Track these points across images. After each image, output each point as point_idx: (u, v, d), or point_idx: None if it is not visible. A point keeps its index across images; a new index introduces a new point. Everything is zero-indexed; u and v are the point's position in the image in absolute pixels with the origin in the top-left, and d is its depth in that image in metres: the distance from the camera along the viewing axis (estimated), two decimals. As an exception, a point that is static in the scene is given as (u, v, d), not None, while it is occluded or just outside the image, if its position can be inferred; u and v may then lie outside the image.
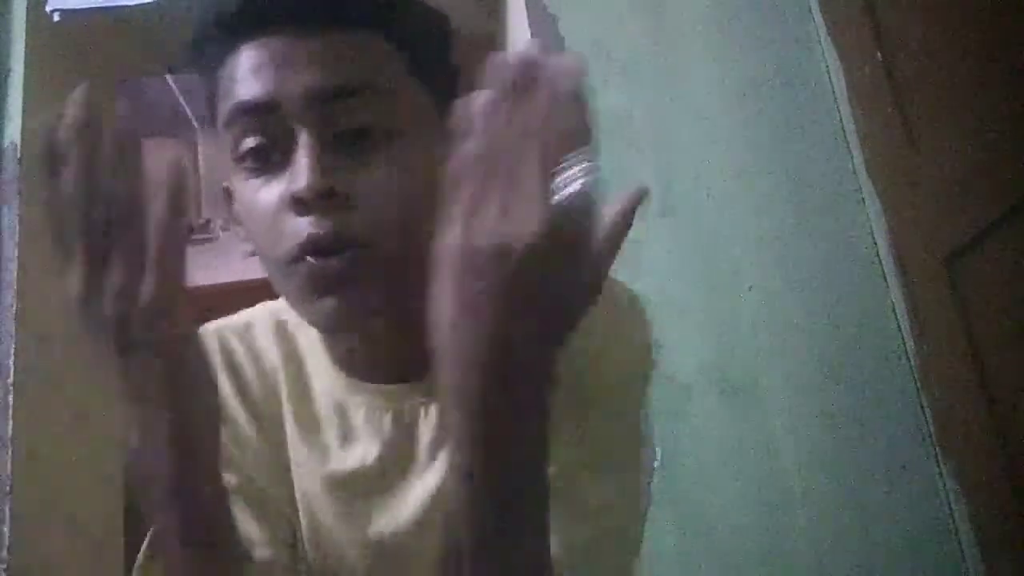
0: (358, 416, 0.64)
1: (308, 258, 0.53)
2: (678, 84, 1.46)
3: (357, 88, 0.54)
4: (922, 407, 1.30)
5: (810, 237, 1.38)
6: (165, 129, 3.46)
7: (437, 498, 0.61)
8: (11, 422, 1.36)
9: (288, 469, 0.65)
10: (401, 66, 0.57)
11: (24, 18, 1.59)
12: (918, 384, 1.30)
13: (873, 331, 1.33)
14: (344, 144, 0.54)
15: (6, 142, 1.51)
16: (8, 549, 1.31)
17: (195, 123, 3.46)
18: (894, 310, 1.34)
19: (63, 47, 1.68)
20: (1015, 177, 1.02)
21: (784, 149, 1.43)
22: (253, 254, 0.60)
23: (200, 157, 3.56)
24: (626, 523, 0.63)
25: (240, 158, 0.56)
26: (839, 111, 1.43)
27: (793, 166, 1.42)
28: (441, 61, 0.61)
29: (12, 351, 1.40)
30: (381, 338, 0.60)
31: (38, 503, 1.40)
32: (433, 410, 0.62)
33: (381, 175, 0.54)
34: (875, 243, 1.37)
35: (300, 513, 0.65)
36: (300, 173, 0.52)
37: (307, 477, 0.65)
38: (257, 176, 0.56)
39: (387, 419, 0.63)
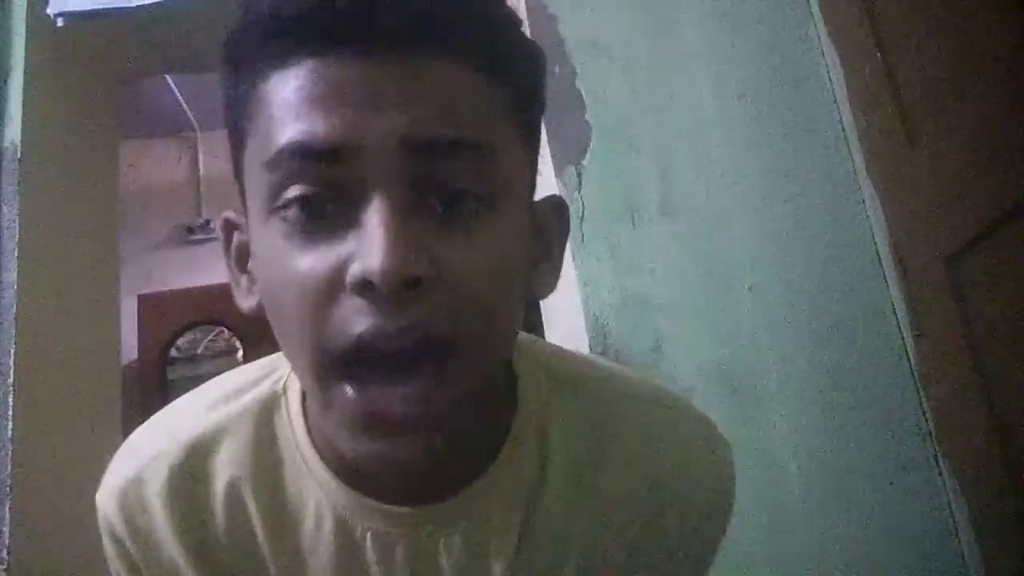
0: (365, 542, 0.52)
1: (359, 372, 0.40)
2: (678, 84, 1.46)
3: (458, 142, 0.41)
4: (922, 407, 1.30)
5: (810, 237, 1.38)
6: (165, 129, 3.46)
7: None
8: (11, 422, 1.36)
9: None
10: (505, 114, 0.44)
11: (24, 19, 1.59)
12: (918, 384, 1.30)
13: (873, 331, 1.33)
14: (430, 211, 0.41)
15: (6, 142, 1.51)
16: (8, 549, 1.31)
17: (195, 123, 3.46)
18: (894, 310, 1.34)
19: (63, 48, 1.68)
20: (1015, 177, 1.02)
21: (784, 149, 1.43)
22: (258, 311, 0.48)
23: (200, 157, 3.56)
24: None
25: (282, 206, 0.41)
26: (839, 111, 1.43)
27: (793, 166, 1.42)
28: (539, 108, 0.49)
29: (12, 351, 1.40)
30: (428, 463, 0.45)
31: (38, 503, 1.40)
32: (458, 540, 0.51)
33: (478, 256, 0.41)
34: (875, 243, 1.37)
35: None
36: (374, 248, 0.38)
37: None
38: (301, 233, 0.41)
39: (400, 550, 0.52)
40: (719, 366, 1.32)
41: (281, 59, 0.42)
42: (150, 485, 0.53)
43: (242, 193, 0.49)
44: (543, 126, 1.52)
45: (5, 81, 1.54)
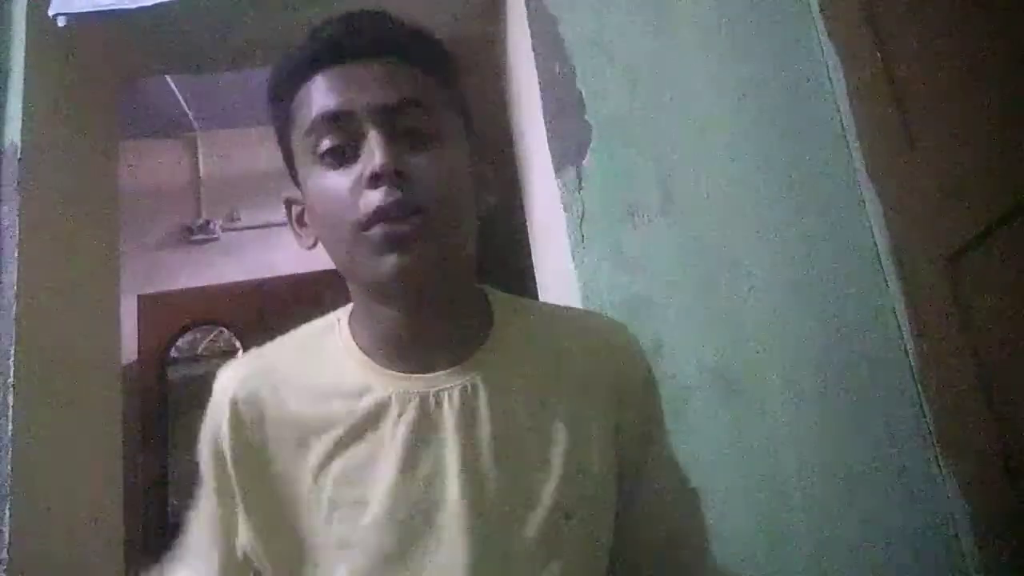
0: (391, 401, 0.73)
1: (379, 225, 0.66)
2: (678, 84, 1.47)
3: (410, 102, 0.70)
4: (922, 407, 1.30)
5: (810, 237, 1.38)
6: (165, 129, 3.46)
7: (465, 477, 0.70)
8: (11, 422, 1.36)
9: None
10: (437, 91, 0.73)
11: (24, 19, 1.59)
12: (918, 384, 1.30)
13: (873, 331, 1.34)
14: (401, 142, 0.69)
15: (6, 142, 1.51)
16: (8, 549, 1.31)
17: (195, 123, 3.46)
18: (894, 310, 1.34)
19: (63, 48, 1.68)
20: (1015, 177, 1.02)
21: (784, 149, 1.43)
22: (314, 245, 0.75)
23: (200, 157, 3.56)
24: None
25: (320, 156, 0.70)
26: (839, 111, 1.44)
27: (793, 166, 1.42)
28: (458, 88, 0.77)
29: (12, 351, 1.40)
30: (425, 310, 0.72)
31: (38, 503, 1.40)
32: (456, 394, 0.73)
33: (430, 162, 0.69)
34: (875, 243, 1.37)
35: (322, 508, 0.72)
36: (375, 157, 0.67)
37: (332, 472, 0.72)
38: (334, 168, 0.70)
39: (414, 403, 0.72)
40: (719, 366, 1.32)
41: (305, 76, 0.73)
42: (228, 386, 0.77)
43: (292, 171, 0.76)
44: (543, 126, 1.51)
45: (5, 81, 1.54)
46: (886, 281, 1.35)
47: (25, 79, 1.55)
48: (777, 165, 1.42)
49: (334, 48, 0.72)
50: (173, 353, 3.36)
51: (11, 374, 1.39)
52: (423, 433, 0.72)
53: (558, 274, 1.48)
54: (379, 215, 0.67)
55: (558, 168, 1.41)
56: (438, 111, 0.72)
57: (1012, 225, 1.04)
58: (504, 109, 1.99)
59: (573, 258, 1.36)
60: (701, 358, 1.32)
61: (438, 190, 0.69)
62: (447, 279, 0.72)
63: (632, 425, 0.78)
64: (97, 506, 1.65)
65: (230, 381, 0.77)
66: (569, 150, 1.42)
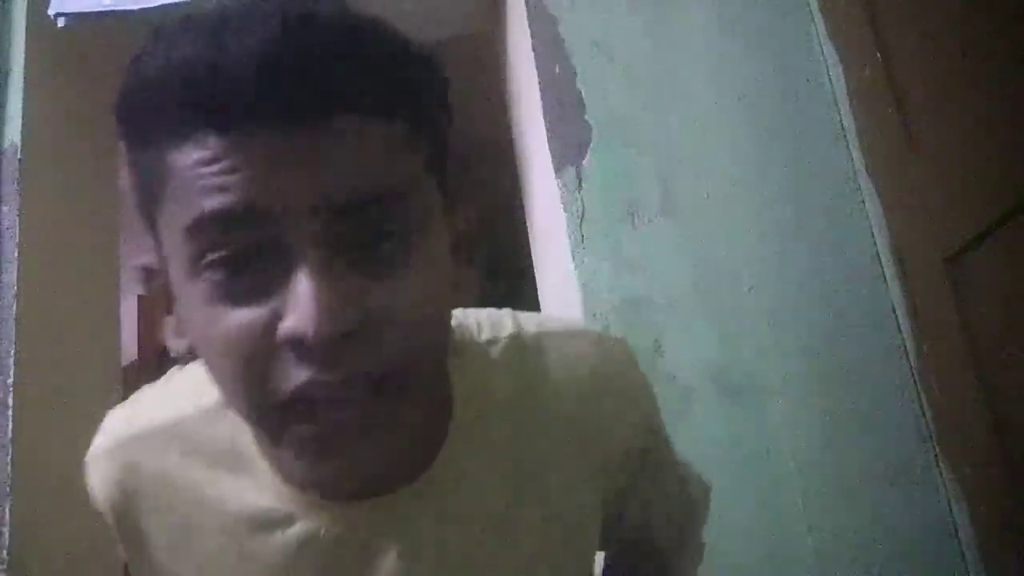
0: (305, 536, 0.54)
1: (305, 421, 0.42)
2: (678, 84, 1.47)
3: (371, 195, 0.41)
4: (922, 407, 1.30)
5: (810, 237, 1.38)
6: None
7: None
8: (11, 422, 1.36)
9: None
10: (418, 157, 0.45)
11: (24, 19, 1.59)
12: (918, 384, 1.30)
13: (873, 331, 1.33)
14: (354, 259, 0.42)
15: (6, 142, 1.51)
16: (8, 549, 1.31)
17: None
18: (894, 310, 1.34)
19: (63, 48, 1.68)
20: (1015, 177, 1.02)
21: (784, 149, 1.43)
22: (188, 361, 0.50)
23: (200, 157, 3.55)
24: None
25: (203, 268, 0.41)
26: (839, 111, 1.44)
27: (793, 166, 1.42)
28: (446, 141, 0.49)
29: (12, 351, 1.40)
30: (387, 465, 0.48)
31: (38, 503, 1.40)
32: (404, 530, 0.54)
33: (404, 289, 0.43)
34: (875, 243, 1.37)
35: None
36: (304, 307, 0.39)
37: None
38: (227, 294, 0.41)
39: (351, 545, 0.54)
40: (719, 366, 1.32)
41: (181, 134, 0.41)
42: (97, 465, 0.62)
43: (157, 244, 0.47)
44: (543, 126, 1.51)
45: (5, 81, 1.54)
46: (886, 281, 1.35)
47: (25, 79, 1.55)
48: (777, 165, 1.42)
49: (223, 95, 0.39)
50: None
51: (11, 374, 1.39)
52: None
53: (558, 274, 1.48)
54: (301, 399, 0.41)
55: (558, 168, 1.41)
56: (416, 194, 0.44)
57: (1012, 225, 1.03)
58: (504, 109, 1.99)
59: (573, 258, 1.36)
60: (701, 358, 1.32)
61: (416, 332, 0.43)
62: (410, 445, 0.48)
63: (627, 472, 0.64)
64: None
65: (108, 447, 0.61)
66: (569, 150, 1.42)
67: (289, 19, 0.39)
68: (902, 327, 1.33)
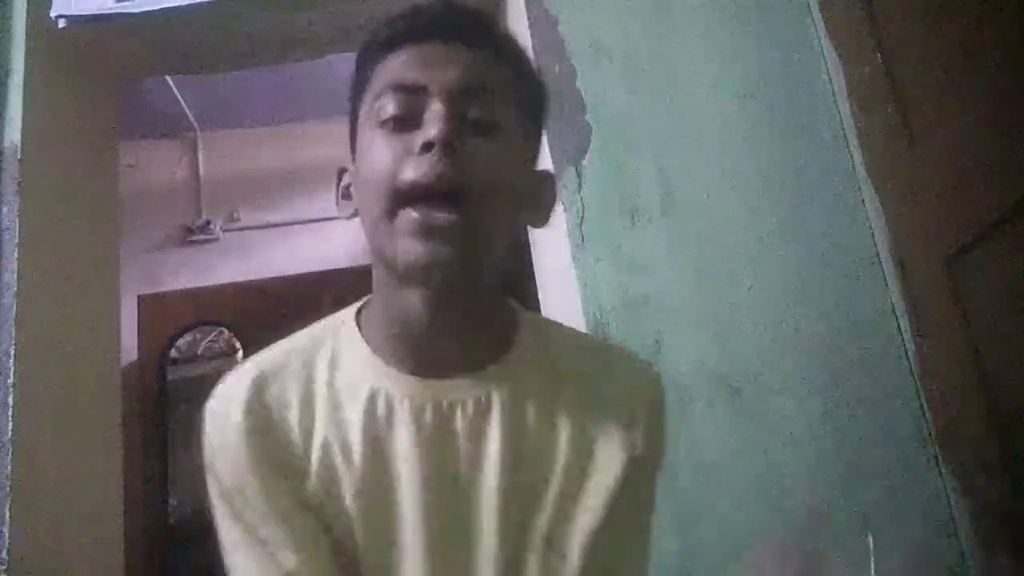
0: (404, 406, 0.70)
1: (415, 208, 0.64)
2: (678, 84, 1.47)
3: (482, 89, 0.69)
4: (922, 407, 1.30)
5: (810, 237, 1.38)
6: (165, 129, 3.46)
7: (465, 498, 0.69)
8: (11, 422, 1.36)
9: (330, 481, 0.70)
10: (515, 93, 0.72)
11: (24, 19, 1.59)
12: (918, 384, 1.30)
13: (873, 331, 1.34)
14: (464, 125, 0.67)
15: (6, 142, 1.51)
16: (8, 549, 1.31)
17: (195, 123, 3.46)
18: (894, 310, 1.34)
19: (63, 49, 1.68)
20: (1015, 177, 1.02)
21: (784, 149, 1.43)
22: (352, 216, 0.73)
23: (200, 157, 3.56)
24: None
25: (382, 122, 0.68)
26: (839, 111, 1.44)
27: (793, 166, 1.42)
28: (533, 91, 0.76)
29: (12, 351, 1.40)
30: (447, 307, 0.69)
31: (38, 503, 1.40)
32: (471, 406, 0.70)
33: (489, 148, 0.67)
34: (875, 243, 1.37)
35: (343, 519, 0.69)
36: (434, 126, 0.65)
37: (345, 477, 0.69)
38: (391, 134, 0.68)
39: (429, 409, 0.70)
40: (719, 366, 1.32)
41: (390, 48, 0.71)
42: (238, 385, 0.72)
43: (352, 138, 0.74)
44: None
45: (5, 82, 1.54)
46: (886, 281, 1.35)
47: (25, 79, 1.55)
48: (777, 165, 1.42)
49: (424, 27, 0.71)
50: (173, 353, 3.36)
51: (11, 374, 1.39)
52: (433, 443, 0.69)
53: (558, 274, 1.48)
54: (416, 190, 0.64)
55: (558, 168, 1.41)
56: (508, 106, 0.70)
57: (1012, 225, 1.04)
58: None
59: (573, 258, 1.36)
60: (701, 358, 1.32)
61: (489, 176, 0.66)
62: (475, 280, 0.69)
63: (632, 472, 0.73)
64: (97, 506, 1.65)
65: (236, 386, 0.72)
66: (569, 150, 1.42)
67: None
68: (902, 327, 1.33)
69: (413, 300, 0.69)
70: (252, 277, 3.32)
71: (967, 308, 1.16)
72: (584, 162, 1.41)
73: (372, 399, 0.70)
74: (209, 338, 3.44)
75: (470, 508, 0.69)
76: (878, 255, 1.37)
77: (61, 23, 1.58)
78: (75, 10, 1.58)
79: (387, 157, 0.66)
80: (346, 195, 0.75)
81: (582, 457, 0.71)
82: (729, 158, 1.42)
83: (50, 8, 1.59)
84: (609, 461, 0.71)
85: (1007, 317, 1.08)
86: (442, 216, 0.64)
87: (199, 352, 3.42)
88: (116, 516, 1.74)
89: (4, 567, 1.30)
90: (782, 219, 1.39)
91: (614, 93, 1.45)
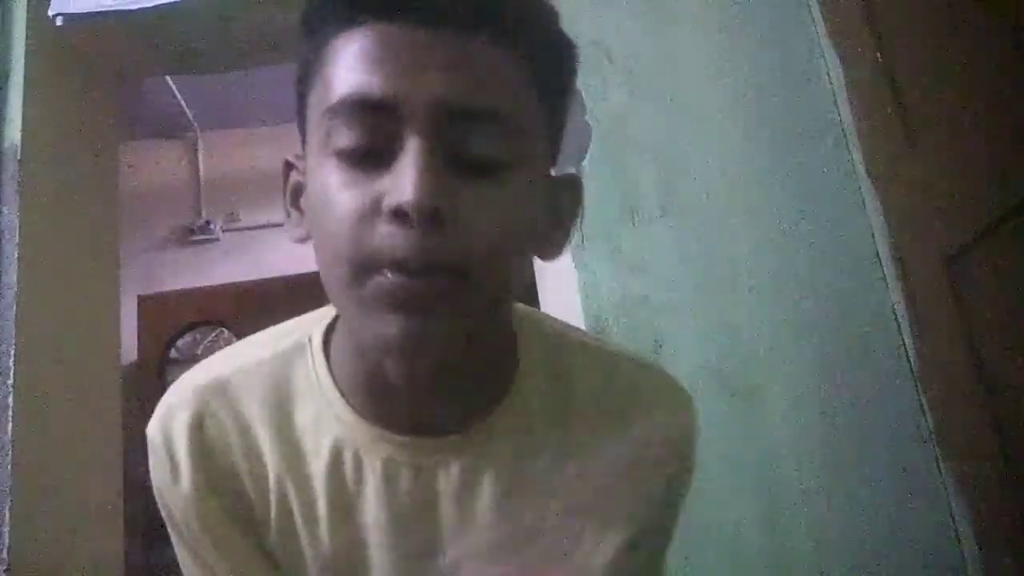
0: (375, 470, 0.59)
1: (389, 273, 0.48)
2: (678, 84, 1.46)
3: (488, 113, 0.49)
4: (922, 407, 1.30)
5: (810, 237, 1.38)
6: (165, 129, 3.46)
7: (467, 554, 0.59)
8: (12, 423, 1.36)
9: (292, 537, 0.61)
10: (531, 92, 0.52)
11: (24, 19, 1.59)
12: (918, 384, 1.30)
13: (873, 331, 1.33)
14: (456, 166, 0.48)
15: (6, 143, 1.51)
16: (8, 549, 1.31)
17: (195, 123, 3.46)
18: (894, 310, 1.34)
19: (63, 48, 1.68)
20: (1015, 177, 1.02)
21: (784, 149, 1.43)
22: (304, 240, 0.56)
23: (200, 157, 3.56)
24: None
25: (335, 152, 0.50)
26: (839, 111, 1.43)
27: (793, 166, 1.42)
28: (563, 92, 0.58)
29: (12, 351, 1.40)
30: (427, 380, 0.56)
31: (38, 504, 1.40)
32: (455, 468, 0.59)
33: (490, 208, 0.49)
34: (875, 243, 1.37)
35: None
36: (406, 185, 0.46)
37: (305, 543, 0.60)
38: (349, 171, 0.49)
39: (405, 474, 0.59)
40: (719, 366, 1.32)
41: (349, 20, 0.50)
42: (177, 416, 0.60)
43: (302, 136, 0.55)
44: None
45: (5, 82, 1.54)
46: (886, 281, 1.35)
47: (25, 79, 1.55)
48: (777, 165, 1.42)
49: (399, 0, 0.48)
50: (173, 354, 3.36)
51: (11, 374, 1.39)
52: (411, 512, 0.59)
53: (558, 274, 1.48)
54: (391, 265, 0.48)
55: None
56: (521, 125, 0.51)
57: (1012, 225, 1.03)
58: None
59: (573, 258, 1.36)
60: (701, 358, 1.32)
61: (490, 239, 0.49)
62: (471, 348, 0.53)
63: (645, 532, 0.64)
64: (97, 506, 1.65)
65: (178, 411, 0.61)
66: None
67: None
68: (902, 327, 1.33)
69: (390, 366, 0.56)
70: (252, 277, 3.32)
71: (967, 308, 1.16)
72: (584, 162, 1.41)
73: (337, 453, 0.59)
74: (209, 338, 3.44)
75: None
76: (878, 255, 1.37)
77: (59, 21, 1.58)
78: (73, 8, 1.58)
79: (346, 210, 0.48)
80: (295, 201, 0.58)
81: (589, 514, 0.61)
82: (729, 158, 1.42)
83: (49, 8, 1.59)
84: (620, 520, 0.61)
85: (1007, 317, 1.08)
86: (421, 286, 0.48)
87: (199, 352, 3.42)
88: (116, 516, 1.74)
89: (4, 567, 1.30)
90: (782, 219, 1.39)
91: (614, 93, 1.45)
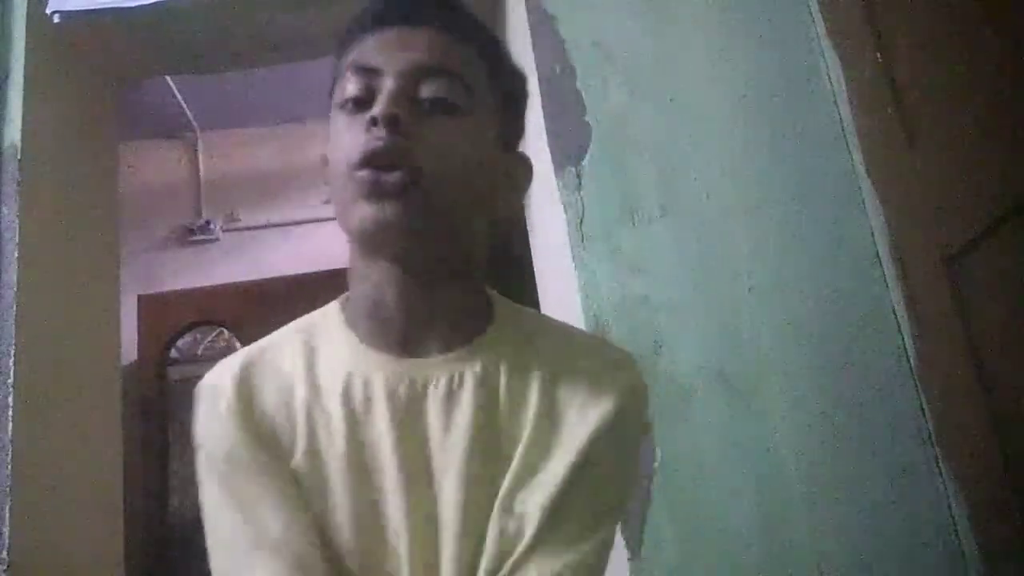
0: (379, 386, 0.72)
1: (367, 170, 0.66)
2: (678, 84, 1.46)
3: (442, 71, 0.71)
4: (922, 407, 1.30)
5: (810, 237, 1.38)
6: (165, 129, 3.46)
7: (462, 468, 0.69)
8: (11, 423, 1.36)
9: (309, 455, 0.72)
10: (482, 73, 0.74)
11: (24, 19, 1.59)
12: (918, 384, 1.30)
13: (873, 331, 1.33)
14: (420, 104, 0.70)
15: (6, 143, 1.51)
16: (8, 549, 1.31)
17: (195, 123, 3.46)
18: (894, 310, 1.34)
19: (63, 49, 1.68)
20: (1015, 177, 1.02)
21: (784, 149, 1.43)
22: (328, 202, 0.73)
23: (200, 157, 3.56)
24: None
25: (343, 103, 0.72)
26: (839, 111, 1.44)
27: (793, 166, 1.42)
28: (516, 105, 0.80)
29: (12, 352, 1.40)
30: (409, 275, 0.72)
31: (38, 504, 1.40)
32: (442, 380, 0.72)
33: (443, 127, 0.69)
34: (875, 243, 1.37)
35: (327, 495, 0.70)
36: (378, 104, 0.68)
37: (328, 454, 0.71)
38: (351, 115, 0.71)
39: (401, 388, 0.72)
40: (719, 366, 1.32)
41: (363, 32, 0.74)
42: (226, 371, 0.76)
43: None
44: (543, 126, 1.50)
45: (5, 82, 1.54)
46: (886, 281, 1.35)
47: (25, 79, 1.55)
48: (777, 165, 1.42)
49: (388, 13, 0.73)
50: (173, 353, 3.36)
51: (11, 374, 1.39)
52: (407, 419, 0.71)
53: (558, 274, 1.48)
54: (367, 157, 0.66)
55: (558, 168, 1.41)
56: (470, 84, 0.72)
57: (1012, 225, 1.04)
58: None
59: (573, 258, 1.36)
60: (701, 358, 1.32)
61: (441, 153, 0.68)
62: (438, 251, 0.71)
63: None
64: (97, 506, 1.65)
65: (226, 369, 0.76)
66: (569, 150, 1.42)
67: None
68: (902, 327, 1.33)
69: (381, 277, 0.72)
70: (252, 277, 3.32)
71: (967, 308, 1.16)
72: (584, 162, 1.41)
73: (350, 380, 0.73)
74: (209, 338, 3.44)
75: (443, 482, 0.69)
76: (878, 255, 1.37)
77: (56, 18, 1.58)
78: (70, 5, 1.58)
79: (345, 138, 0.70)
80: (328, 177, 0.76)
81: (549, 430, 0.72)
82: (729, 158, 1.42)
83: (47, 6, 1.59)
84: (574, 434, 0.71)
85: (1007, 317, 1.08)
86: (389, 177, 0.66)
87: (199, 352, 3.42)
88: (116, 516, 1.74)
89: (4, 567, 1.30)
90: (782, 219, 1.39)
91: (614, 93, 1.45)
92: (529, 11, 1.50)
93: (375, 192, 0.66)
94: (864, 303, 1.35)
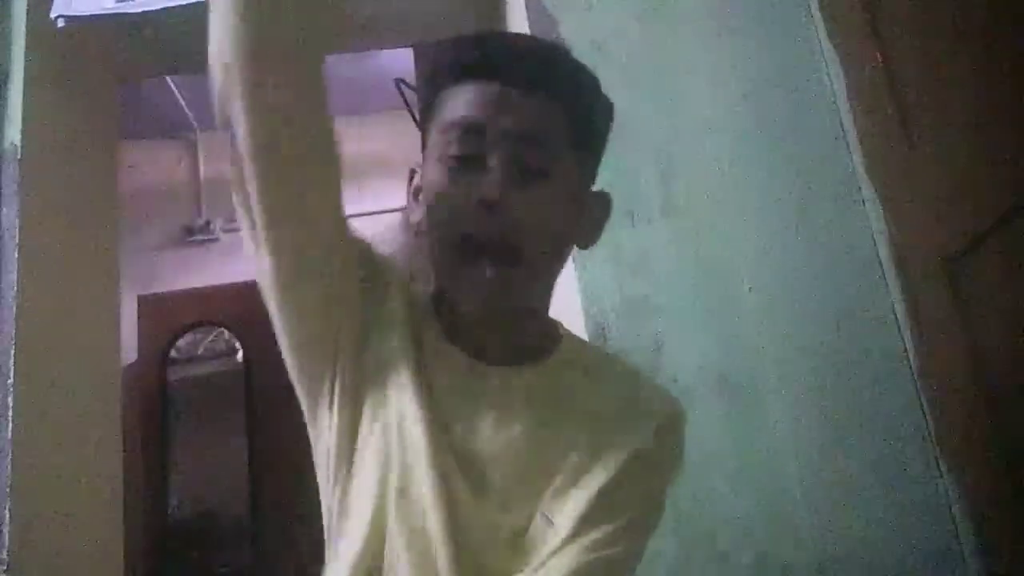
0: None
1: (471, 248, 0.73)
2: (678, 84, 1.47)
3: (537, 139, 0.76)
4: (922, 407, 1.30)
5: (810, 237, 1.38)
6: (165, 130, 3.46)
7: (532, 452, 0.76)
8: (11, 424, 1.36)
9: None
10: (568, 138, 0.79)
11: (24, 20, 1.59)
12: (918, 384, 1.30)
13: (873, 331, 1.34)
14: (518, 175, 0.75)
15: (6, 143, 1.51)
16: (8, 549, 1.31)
17: (195, 123, 3.46)
18: (894, 310, 1.34)
19: (63, 49, 1.68)
20: (1015, 177, 1.02)
21: (784, 149, 1.43)
22: (417, 223, 0.81)
23: (200, 157, 3.56)
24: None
25: (448, 158, 0.77)
26: (839, 111, 1.44)
27: (793, 166, 1.42)
28: (591, 131, 0.84)
29: (12, 352, 1.40)
30: (498, 325, 0.79)
31: (38, 504, 1.40)
32: (503, 386, 0.78)
33: (538, 200, 0.75)
34: (875, 243, 1.37)
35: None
36: (492, 185, 0.73)
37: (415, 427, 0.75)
38: (454, 172, 0.76)
39: (464, 367, 0.79)
40: (719, 366, 1.32)
41: (457, 79, 0.79)
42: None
43: (424, 150, 0.82)
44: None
45: (6, 82, 1.54)
46: (886, 281, 1.35)
47: (25, 79, 1.55)
48: (777, 165, 1.42)
49: (493, 66, 0.78)
50: (173, 354, 3.36)
51: (11, 374, 1.39)
52: (462, 386, 0.77)
53: (558, 274, 1.48)
54: (473, 244, 0.73)
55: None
56: (560, 148, 0.77)
57: (1012, 225, 1.04)
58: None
59: (573, 258, 1.36)
60: (701, 358, 1.32)
61: (539, 230, 0.75)
62: (527, 301, 0.80)
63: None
64: (97, 506, 1.65)
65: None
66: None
67: (529, 39, 0.93)
68: (902, 327, 1.33)
69: (465, 323, 0.79)
70: (252, 277, 3.31)
71: (967, 308, 1.16)
72: (584, 162, 1.41)
73: (420, 344, 0.79)
74: (209, 338, 3.44)
75: (486, 462, 0.75)
76: (878, 255, 1.37)
77: (60, 23, 1.58)
78: (74, 10, 1.58)
79: (448, 199, 0.76)
80: (416, 195, 0.82)
81: (593, 447, 0.77)
82: (729, 158, 1.42)
83: (50, 9, 1.59)
84: (614, 453, 0.76)
85: (1007, 317, 1.08)
86: (498, 271, 0.73)
87: (199, 352, 3.42)
88: (116, 516, 1.74)
89: (4, 567, 1.30)
90: (782, 219, 1.39)
91: (614, 93, 1.45)
92: (529, 11, 1.50)
93: (484, 287, 0.74)
94: (864, 303, 1.35)
